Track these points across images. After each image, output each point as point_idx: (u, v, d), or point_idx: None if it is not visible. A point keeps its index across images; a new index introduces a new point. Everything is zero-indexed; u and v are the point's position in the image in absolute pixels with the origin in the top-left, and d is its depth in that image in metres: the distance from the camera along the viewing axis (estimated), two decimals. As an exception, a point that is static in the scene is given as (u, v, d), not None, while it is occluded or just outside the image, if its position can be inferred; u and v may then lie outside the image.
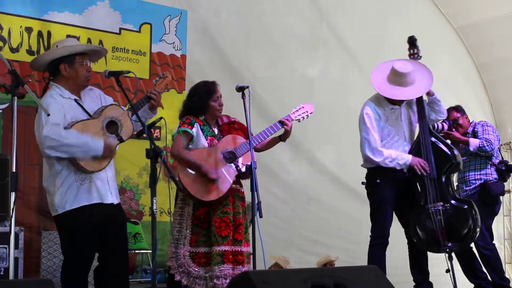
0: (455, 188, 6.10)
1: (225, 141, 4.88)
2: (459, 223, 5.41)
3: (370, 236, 5.54)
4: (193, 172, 4.74)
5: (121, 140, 4.41)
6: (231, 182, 4.79)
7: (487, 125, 6.51)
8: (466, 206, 5.45)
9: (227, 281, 4.58)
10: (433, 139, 5.54)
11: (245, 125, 4.93)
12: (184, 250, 4.68)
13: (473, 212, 5.41)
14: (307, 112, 5.19)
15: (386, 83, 5.48)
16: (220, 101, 4.92)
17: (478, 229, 5.45)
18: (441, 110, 5.70)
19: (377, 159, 5.38)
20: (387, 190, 5.46)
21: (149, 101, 4.55)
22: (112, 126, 4.39)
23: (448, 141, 5.95)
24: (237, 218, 4.83)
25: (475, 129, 6.50)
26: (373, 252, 5.47)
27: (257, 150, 5.03)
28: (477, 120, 6.87)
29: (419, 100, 5.60)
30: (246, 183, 4.91)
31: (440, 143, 5.56)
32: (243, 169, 4.81)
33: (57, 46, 4.45)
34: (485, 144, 6.27)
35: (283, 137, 5.08)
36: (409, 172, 5.48)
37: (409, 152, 5.51)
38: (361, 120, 5.50)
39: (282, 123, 5.00)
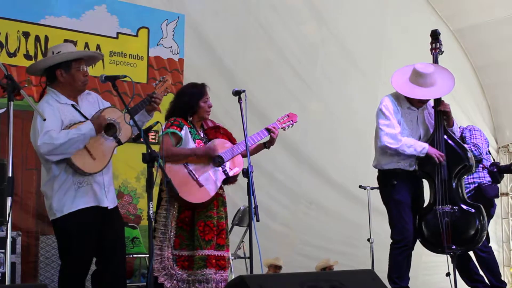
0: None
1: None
2: (466, 226, 5.38)
3: (392, 240, 5.48)
4: (183, 170, 4.71)
5: (119, 143, 4.41)
6: (219, 185, 4.80)
7: (474, 130, 6.50)
8: (474, 210, 5.41)
9: (209, 285, 4.60)
10: (447, 138, 5.50)
11: (230, 131, 5.01)
12: (167, 252, 4.67)
13: (481, 217, 5.37)
14: (292, 121, 5.23)
15: (407, 83, 5.46)
16: (210, 103, 4.95)
17: (484, 234, 5.43)
18: None
19: (395, 145, 5.34)
20: (403, 191, 5.44)
21: (147, 104, 4.55)
22: (110, 129, 4.40)
23: (467, 145, 5.95)
24: (221, 223, 4.83)
25: (463, 134, 6.48)
26: (395, 256, 5.42)
27: (242, 156, 4.99)
28: (475, 124, 6.87)
29: (438, 99, 5.56)
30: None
31: (454, 144, 5.51)
32: (231, 174, 4.83)
33: (53, 52, 4.45)
34: (473, 149, 6.26)
35: (268, 145, 5.12)
36: (420, 169, 5.45)
37: None
38: (379, 112, 5.48)
39: (269, 130, 5.03)
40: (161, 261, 4.65)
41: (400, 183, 5.43)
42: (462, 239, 5.38)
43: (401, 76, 5.53)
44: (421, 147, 5.39)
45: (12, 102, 3.75)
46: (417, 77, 5.41)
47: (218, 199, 4.86)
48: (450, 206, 5.38)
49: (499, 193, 7.33)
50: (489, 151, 6.75)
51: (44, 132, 4.14)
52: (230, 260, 4.93)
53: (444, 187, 5.40)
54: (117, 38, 7.06)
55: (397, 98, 5.53)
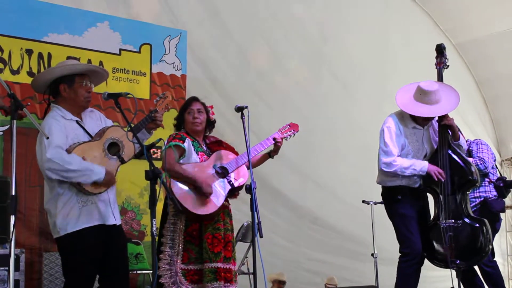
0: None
1: (216, 156, 4.88)
2: (470, 240, 5.33)
3: (400, 254, 5.44)
4: (186, 187, 4.70)
5: (122, 162, 4.42)
6: (225, 197, 4.78)
7: (481, 144, 6.50)
8: (478, 225, 5.36)
9: None
10: (451, 153, 5.47)
11: (233, 146, 5.00)
12: (177, 267, 4.64)
13: (485, 231, 5.33)
14: (293, 131, 5.23)
15: (412, 101, 5.43)
16: (195, 115, 4.89)
17: (488, 248, 5.38)
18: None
19: (393, 169, 5.34)
20: (408, 205, 5.42)
21: (149, 122, 4.55)
22: (113, 148, 4.40)
23: (472, 159, 5.91)
24: (227, 235, 4.81)
25: (470, 148, 6.48)
26: (403, 270, 5.37)
27: (246, 166, 4.96)
28: (479, 137, 6.86)
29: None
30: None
31: (458, 158, 5.46)
32: (236, 184, 4.80)
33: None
34: (478, 163, 6.26)
35: (272, 154, 5.12)
36: (424, 184, 5.44)
37: None
38: (381, 132, 5.46)
39: (275, 139, 5.03)
40: (170, 276, 4.62)
41: (405, 198, 5.41)
42: (466, 253, 5.35)
43: (405, 94, 5.50)
44: (421, 166, 5.36)
45: (15, 121, 3.75)
46: (422, 94, 5.38)
47: (225, 211, 4.86)
48: (454, 220, 5.35)
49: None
50: (495, 166, 6.73)
51: (53, 146, 4.14)
52: (237, 274, 4.89)
53: (448, 201, 5.38)
54: (119, 54, 7.09)
55: (402, 117, 5.49)
